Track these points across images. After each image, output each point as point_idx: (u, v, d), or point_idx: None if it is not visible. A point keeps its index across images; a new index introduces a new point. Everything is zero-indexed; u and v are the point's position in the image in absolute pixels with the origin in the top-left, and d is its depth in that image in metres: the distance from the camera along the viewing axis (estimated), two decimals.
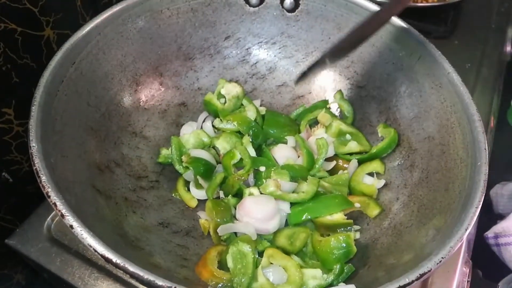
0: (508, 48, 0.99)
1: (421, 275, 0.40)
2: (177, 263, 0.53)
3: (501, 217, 0.74)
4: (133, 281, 0.57)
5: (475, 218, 0.45)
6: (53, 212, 0.63)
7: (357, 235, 0.58)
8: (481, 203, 0.46)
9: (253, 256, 0.51)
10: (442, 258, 0.41)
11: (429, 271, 0.40)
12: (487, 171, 0.49)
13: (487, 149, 0.51)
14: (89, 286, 0.57)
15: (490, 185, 0.82)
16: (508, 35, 0.99)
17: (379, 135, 0.68)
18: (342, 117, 0.72)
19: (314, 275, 0.52)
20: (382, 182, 0.63)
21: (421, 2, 0.94)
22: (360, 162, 0.66)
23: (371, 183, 0.63)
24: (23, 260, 0.63)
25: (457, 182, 0.52)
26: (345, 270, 0.51)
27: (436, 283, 0.59)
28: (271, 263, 0.53)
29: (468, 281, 0.62)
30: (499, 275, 0.71)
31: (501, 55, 0.94)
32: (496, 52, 0.93)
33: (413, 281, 0.39)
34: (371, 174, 0.64)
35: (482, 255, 0.71)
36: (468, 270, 0.62)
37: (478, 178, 0.49)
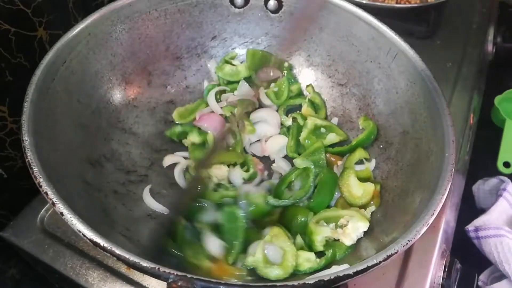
0: (489, 48, 1.01)
1: (388, 256, 0.43)
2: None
3: (483, 211, 0.76)
4: (122, 270, 0.60)
5: (440, 205, 0.48)
6: (46, 205, 0.65)
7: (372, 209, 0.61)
8: (447, 191, 0.49)
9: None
10: (408, 241, 0.45)
11: (395, 252, 0.43)
12: (454, 161, 0.52)
13: (455, 141, 0.54)
14: (80, 276, 0.59)
15: (472, 181, 0.85)
16: (489, 35, 1.02)
17: (360, 127, 0.71)
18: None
19: (308, 258, 0.55)
20: (373, 163, 0.67)
21: (404, 3, 0.97)
22: (343, 155, 0.69)
23: (364, 168, 0.66)
24: (17, 254, 0.65)
25: (428, 172, 0.55)
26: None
27: (413, 274, 0.61)
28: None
29: (445, 272, 0.64)
30: (480, 267, 0.74)
31: (482, 54, 0.97)
32: (477, 52, 0.96)
33: (380, 262, 0.42)
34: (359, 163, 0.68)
35: (464, 249, 0.74)
36: (445, 262, 0.65)
37: (446, 168, 0.52)
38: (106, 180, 0.62)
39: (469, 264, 0.67)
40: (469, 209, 0.81)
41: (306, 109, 0.74)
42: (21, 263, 0.75)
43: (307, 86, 0.77)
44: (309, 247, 0.57)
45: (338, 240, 0.57)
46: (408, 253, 0.62)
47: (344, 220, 0.57)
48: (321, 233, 0.56)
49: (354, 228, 0.56)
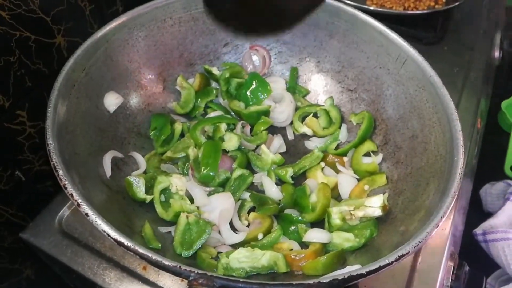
0: (496, 53, 1.02)
1: (400, 257, 0.45)
2: None
3: (490, 215, 0.77)
4: (138, 270, 0.61)
5: (450, 207, 0.49)
6: (64, 207, 0.67)
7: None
8: (457, 193, 0.51)
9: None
10: (419, 242, 0.46)
11: (407, 253, 0.45)
12: (462, 165, 0.54)
13: (463, 145, 0.56)
14: (98, 276, 0.61)
15: (480, 185, 0.86)
16: (496, 41, 1.03)
17: (354, 123, 0.74)
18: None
19: (348, 238, 0.58)
20: (380, 156, 0.69)
21: (412, 10, 0.99)
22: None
23: (371, 161, 0.68)
24: (33, 255, 0.68)
25: (437, 176, 0.57)
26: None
27: (421, 276, 0.62)
28: None
29: (453, 274, 0.65)
30: (488, 271, 0.76)
31: (489, 60, 0.98)
32: (484, 57, 0.97)
33: (392, 262, 0.44)
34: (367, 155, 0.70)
35: (472, 252, 0.74)
36: (453, 264, 0.66)
37: (455, 171, 0.53)
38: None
39: (477, 267, 0.68)
40: (477, 212, 0.83)
41: (310, 118, 0.76)
42: (37, 264, 0.77)
43: (327, 98, 0.78)
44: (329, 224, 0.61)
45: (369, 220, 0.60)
46: (417, 255, 0.63)
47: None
48: (338, 206, 0.60)
49: (369, 202, 0.59)
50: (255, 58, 0.81)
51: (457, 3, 0.93)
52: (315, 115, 0.77)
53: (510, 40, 1.05)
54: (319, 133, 0.75)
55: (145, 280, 0.61)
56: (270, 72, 0.82)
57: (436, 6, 0.98)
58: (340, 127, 0.75)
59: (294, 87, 0.81)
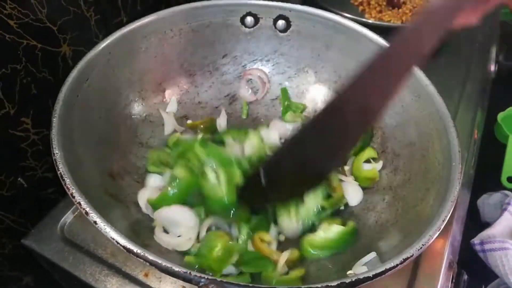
0: (492, 67, 1.05)
1: (404, 260, 0.46)
2: None
3: (488, 225, 0.78)
4: (139, 277, 0.61)
5: (451, 211, 0.51)
6: (66, 214, 0.67)
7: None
8: (456, 198, 0.52)
9: None
10: (423, 245, 0.47)
11: (411, 256, 0.46)
12: (460, 170, 0.55)
13: (460, 151, 0.57)
14: (99, 282, 0.61)
15: (477, 195, 0.87)
16: (491, 55, 1.05)
17: None
18: None
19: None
20: (380, 163, 0.70)
21: (409, 23, 1.01)
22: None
23: (372, 168, 0.70)
24: (33, 262, 0.67)
25: (436, 181, 0.58)
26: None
27: (421, 285, 0.62)
28: None
29: (452, 283, 0.66)
30: (486, 281, 0.76)
31: (485, 73, 1.00)
32: (480, 70, 0.99)
33: (397, 265, 0.45)
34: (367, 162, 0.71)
35: (470, 262, 0.75)
36: (452, 274, 0.66)
37: (454, 176, 0.55)
38: (126, 192, 0.64)
39: (475, 277, 0.69)
40: (474, 222, 0.83)
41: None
42: (36, 271, 0.76)
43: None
44: None
45: None
46: (416, 264, 0.64)
47: None
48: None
49: None
50: (251, 82, 0.83)
51: None
52: None
53: (505, 53, 1.07)
54: None
55: (146, 287, 0.61)
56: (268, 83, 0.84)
57: None
58: None
59: (289, 106, 0.81)
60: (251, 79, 0.82)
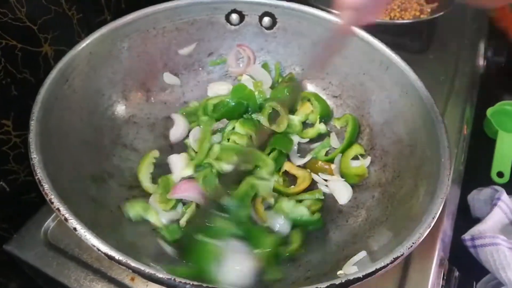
0: (481, 62, 1.04)
1: (395, 259, 0.45)
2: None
3: (478, 221, 0.78)
4: (125, 281, 0.60)
5: (441, 207, 0.50)
6: (49, 219, 0.65)
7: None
8: (446, 194, 0.51)
9: None
10: (413, 243, 0.46)
11: (401, 255, 0.45)
12: (449, 166, 0.54)
13: (450, 147, 0.57)
14: None
15: (467, 191, 0.86)
16: (480, 50, 1.05)
17: (338, 127, 0.75)
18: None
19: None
20: (368, 159, 0.70)
21: (397, 19, 1.01)
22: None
23: (360, 164, 0.69)
24: (18, 268, 0.65)
25: (425, 178, 0.58)
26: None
27: (412, 283, 0.62)
28: None
29: (444, 280, 0.66)
30: (478, 276, 0.75)
31: (473, 68, 0.99)
32: (469, 66, 0.98)
33: (388, 264, 0.44)
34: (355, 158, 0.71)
35: (462, 258, 0.75)
36: (443, 270, 0.66)
37: (443, 172, 0.54)
38: (110, 195, 0.62)
39: (467, 273, 0.68)
40: (465, 218, 0.83)
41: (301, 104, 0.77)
42: (21, 276, 0.73)
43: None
44: None
45: None
46: (407, 261, 0.63)
47: None
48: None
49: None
50: (241, 56, 0.82)
51: (441, 13, 0.95)
52: None
53: (493, 49, 1.07)
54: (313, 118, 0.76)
55: None
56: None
57: (422, 16, 1.00)
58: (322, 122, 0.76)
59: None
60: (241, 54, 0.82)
